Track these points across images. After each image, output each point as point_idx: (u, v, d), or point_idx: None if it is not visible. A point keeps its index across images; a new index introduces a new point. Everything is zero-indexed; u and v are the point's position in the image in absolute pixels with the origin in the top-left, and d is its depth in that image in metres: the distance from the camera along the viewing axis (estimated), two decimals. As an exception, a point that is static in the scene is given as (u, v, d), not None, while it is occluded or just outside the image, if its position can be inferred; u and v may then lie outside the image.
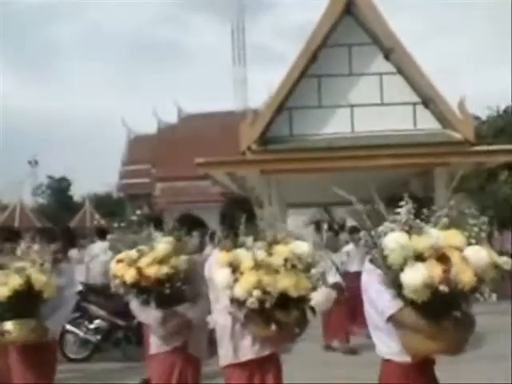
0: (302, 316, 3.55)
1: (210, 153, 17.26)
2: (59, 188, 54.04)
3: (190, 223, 6.07)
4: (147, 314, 4.19)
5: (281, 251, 3.54)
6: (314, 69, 14.39)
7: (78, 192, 53.40)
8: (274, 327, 3.42)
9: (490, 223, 3.13)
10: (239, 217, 3.69)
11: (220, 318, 3.80)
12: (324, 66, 14.39)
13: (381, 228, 3.04)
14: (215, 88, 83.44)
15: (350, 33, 14.42)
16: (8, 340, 4.37)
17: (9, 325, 4.31)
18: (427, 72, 14.06)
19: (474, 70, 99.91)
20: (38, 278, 4.44)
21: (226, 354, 3.76)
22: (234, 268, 3.50)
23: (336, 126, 14.20)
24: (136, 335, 8.31)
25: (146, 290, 4.06)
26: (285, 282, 3.40)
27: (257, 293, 3.35)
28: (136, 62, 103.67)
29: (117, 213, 40.79)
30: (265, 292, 3.37)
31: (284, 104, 14.33)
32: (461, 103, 13.83)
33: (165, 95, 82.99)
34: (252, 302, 3.36)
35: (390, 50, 14.19)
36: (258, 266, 3.47)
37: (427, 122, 14.30)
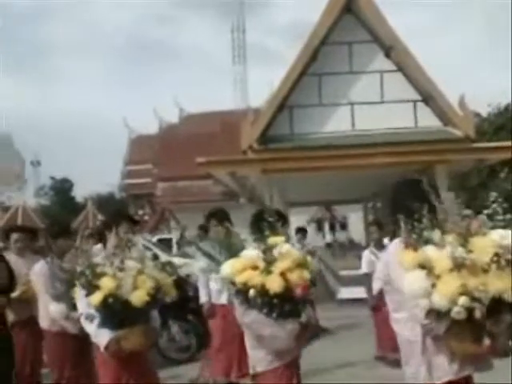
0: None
1: (211, 152, 17.30)
2: (62, 189, 54.14)
3: (222, 216, 6.43)
4: (278, 327, 3.66)
5: (483, 245, 2.92)
6: (315, 67, 14.38)
7: (80, 193, 53.58)
8: (487, 342, 2.87)
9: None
10: (414, 203, 3.14)
11: (404, 330, 3.19)
12: (324, 64, 14.38)
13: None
14: (215, 87, 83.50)
15: (350, 31, 14.41)
16: (125, 347, 4.01)
17: (125, 331, 3.97)
18: (428, 69, 14.06)
19: (474, 67, 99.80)
20: (165, 280, 4.19)
21: (416, 374, 3.14)
22: (428, 270, 2.92)
23: (337, 124, 14.20)
24: None
25: (288, 299, 3.59)
26: (497, 285, 2.80)
27: (464, 300, 2.79)
28: (135, 62, 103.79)
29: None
30: (473, 298, 2.80)
31: (285, 102, 14.32)
32: (461, 100, 13.82)
33: (165, 95, 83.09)
34: (458, 312, 2.79)
35: (391, 48, 14.19)
36: (458, 266, 2.87)
37: (428, 120, 14.30)
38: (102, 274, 3.93)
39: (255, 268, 3.65)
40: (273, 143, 14.03)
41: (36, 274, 5.55)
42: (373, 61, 14.48)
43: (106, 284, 3.87)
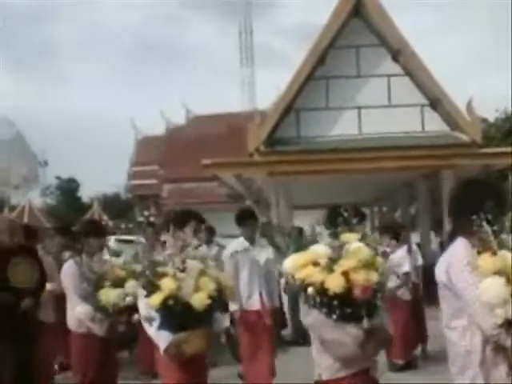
0: None
1: (217, 154, 17.30)
2: (68, 189, 54.25)
3: (251, 216, 6.58)
4: (340, 331, 3.36)
5: None
6: (322, 70, 14.38)
7: (86, 193, 53.64)
8: None
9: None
10: (489, 203, 2.90)
11: (461, 339, 2.95)
12: (332, 67, 14.38)
13: None
14: (222, 89, 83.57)
15: (357, 34, 14.41)
16: (186, 351, 3.83)
17: (186, 334, 3.79)
18: (435, 74, 14.05)
19: (482, 71, 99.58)
20: (227, 281, 4.08)
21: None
22: (506, 277, 2.71)
23: (343, 127, 14.19)
24: None
25: (349, 301, 3.28)
26: None
27: None
28: (142, 63, 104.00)
29: (125, 214, 40.94)
30: None
31: (292, 105, 14.33)
32: (469, 105, 13.80)
33: (172, 96, 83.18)
34: None
35: (398, 52, 14.18)
36: None
37: (435, 124, 14.27)
38: (163, 275, 3.78)
39: (317, 264, 3.39)
40: (279, 146, 14.03)
41: (65, 273, 5.48)
42: (380, 65, 14.47)
43: (167, 285, 3.71)
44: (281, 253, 5.71)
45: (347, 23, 14.35)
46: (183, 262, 3.84)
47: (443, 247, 11.08)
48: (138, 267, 4.63)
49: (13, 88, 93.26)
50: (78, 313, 5.17)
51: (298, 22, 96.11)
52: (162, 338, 3.90)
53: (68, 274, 5.40)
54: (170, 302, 3.68)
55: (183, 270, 3.79)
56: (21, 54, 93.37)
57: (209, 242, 9.32)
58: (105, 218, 33.83)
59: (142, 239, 5.55)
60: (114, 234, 19.86)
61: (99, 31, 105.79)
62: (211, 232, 9.91)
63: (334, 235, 3.47)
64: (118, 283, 4.90)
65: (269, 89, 78.71)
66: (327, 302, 3.27)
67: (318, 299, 3.31)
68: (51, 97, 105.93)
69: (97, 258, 5.30)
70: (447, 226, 13.59)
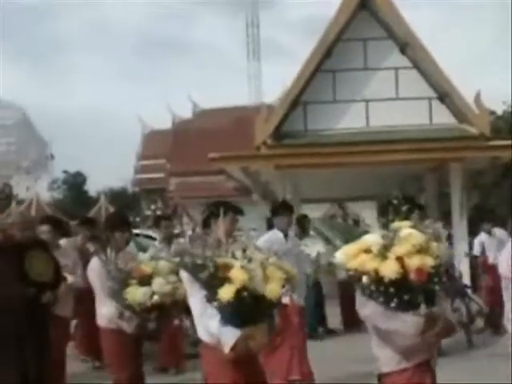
0: None
1: (224, 148, 17.28)
2: (75, 183, 54.38)
3: (286, 207, 6.64)
4: (399, 320, 3.25)
5: None
6: (329, 63, 14.33)
7: (93, 187, 53.74)
8: None
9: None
10: None
11: None
12: (339, 60, 14.33)
13: None
14: (229, 83, 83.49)
15: (365, 27, 14.34)
16: (250, 346, 3.62)
17: (252, 329, 3.59)
18: (443, 66, 13.98)
19: (491, 64, 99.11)
20: (292, 270, 3.89)
21: None
22: None
23: (351, 120, 14.14)
24: None
25: (405, 288, 3.16)
26: None
27: None
28: (148, 58, 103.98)
29: (132, 207, 41.03)
30: None
31: (299, 99, 14.29)
32: (477, 98, 13.73)
33: (179, 90, 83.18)
34: None
35: (406, 45, 14.11)
36: None
37: (443, 117, 14.21)
38: (227, 266, 3.55)
39: (369, 252, 3.29)
40: (286, 139, 14.00)
41: (91, 270, 5.43)
42: (388, 57, 14.40)
43: (238, 276, 3.47)
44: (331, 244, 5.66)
45: (354, 16, 14.28)
46: (244, 251, 3.65)
47: (450, 239, 11.05)
48: (162, 263, 4.78)
49: (17, 82, 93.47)
50: (105, 311, 5.15)
51: (304, 16, 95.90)
52: (227, 334, 3.63)
53: (94, 272, 5.36)
54: (244, 294, 3.45)
55: (250, 260, 3.59)
56: (25, 48, 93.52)
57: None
58: (112, 211, 33.91)
59: (151, 232, 5.53)
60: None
61: (105, 27, 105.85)
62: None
63: (385, 225, 3.41)
64: (145, 281, 4.80)
65: (276, 82, 78.59)
66: (383, 290, 3.17)
67: (373, 288, 3.21)
68: (57, 91, 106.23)
69: (122, 254, 5.24)
70: (456, 218, 13.58)
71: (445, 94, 14.06)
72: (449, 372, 3.14)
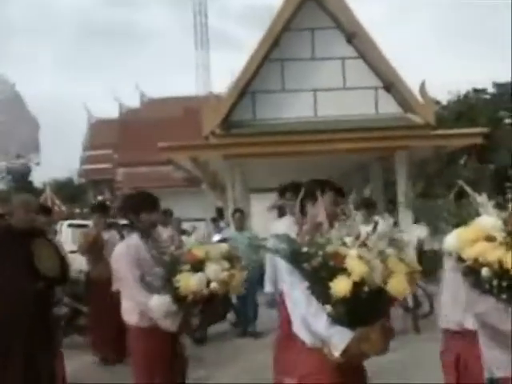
0: None
1: (172, 138, 17.16)
2: (19, 173, 53.19)
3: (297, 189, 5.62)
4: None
5: None
6: (277, 53, 14.36)
7: (38, 178, 52.66)
8: None
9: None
10: None
11: None
12: (287, 50, 14.37)
13: None
14: (177, 72, 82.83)
15: (312, 17, 14.41)
16: (363, 350, 3.07)
17: (367, 329, 3.02)
18: (389, 57, 14.18)
19: (436, 54, 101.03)
20: (414, 262, 3.28)
21: None
22: None
23: (299, 110, 14.22)
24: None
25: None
26: None
27: None
28: (95, 46, 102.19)
29: (78, 198, 40.38)
30: None
31: (247, 88, 14.29)
32: (422, 88, 13.98)
33: (126, 80, 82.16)
34: None
35: (353, 35, 14.24)
36: None
37: (389, 107, 14.43)
38: (342, 255, 2.96)
39: (491, 240, 2.76)
40: (235, 129, 14.00)
41: (120, 258, 4.53)
42: (335, 47, 14.52)
43: (356, 267, 2.90)
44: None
45: (301, 6, 14.33)
46: (357, 238, 3.07)
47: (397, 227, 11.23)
48: (212, 247, 4.20)
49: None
50: (151, 306, 4.23)
51: (251, 5, 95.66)
52: (338, 336, 3.07)
53: (123, 259, 4.48)
54: (365, 288, 2.90)
55: (370, 249, 3.02)
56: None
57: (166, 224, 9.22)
58: (57, 202, 33.33)
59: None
60: (66, 219, 19.58)
61: (48, 13, 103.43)
62: (169, 214, 9.91)
63: (501, 205, 2.90)
64: (197, 267, 4.10)
65: (224, 72, 78.39)
66: (507, 285, 2.67)
67: (495, 283, 2.71)
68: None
69: (155, 237, 4.60)
70: (401, 206, 13.83)
71: (390, 84, 14.26)
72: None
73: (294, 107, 14.25)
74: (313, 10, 14.45)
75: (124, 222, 5.48)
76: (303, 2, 14.33)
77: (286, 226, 5.36)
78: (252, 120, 14.37)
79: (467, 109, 25.56)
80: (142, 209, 4.52)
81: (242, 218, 9.94)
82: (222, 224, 16.49)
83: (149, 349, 4.36)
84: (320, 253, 2.98)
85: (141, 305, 4.34)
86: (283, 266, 3.28)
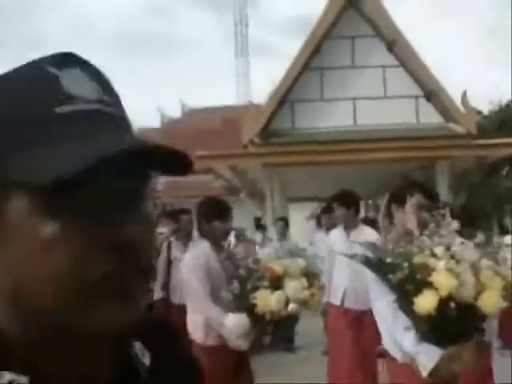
0: None
1: (212, 147, 17.21)
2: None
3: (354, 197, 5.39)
4: None
5: None
6: (317, 61, 14.33)
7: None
8: None
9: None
10: None
11: None
12: (326, 58, 14.33)
13: None
14: (218, 81, 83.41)
15: (352, 25, 14.35)
16: (454, 369, 2.83)
17: (459, 347, 2.80)
18: (430, 65, 14.03)
19: (477, 64, 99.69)
20: (509, 276, 2.97)
21: None
22: None
23: (338, 118, 14.15)
24: None
25: None
26: None
27: None
28: (137, 56, 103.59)
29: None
30: None
31: (286, 97, 14.28)
32: (463, 97, 13.77)
33: (167, 89, 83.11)
34: None
35: (393, 43, 14.13)
36: None
37: (429, 116, 14.25)
38: (430, 268, 2.73)
39: None
40: (274, 137, 13.99)
41: (191, 268, 4.17)
42: (375, 55, 14.42)
43: (443, 281, 2.67)
44: None
45: (342, 14, 14.28)
46: (448, 248, 2.80)
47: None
48: (291, 262, 3.91)
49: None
50: (226, 326, 3.88)
51: (292, 14, 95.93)
52: (426, 354, 2.87)
53: (193, 269, 4.12)
54: (450, 304, 2.69)
55: (459, 261, 2.77)
56: (11, 47, 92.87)
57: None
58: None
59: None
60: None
61: (88, 24, 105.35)
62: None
63: None
64: (276, 284, 3.84)
65: (263, 81, 78.66)
66: None
67: None
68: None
69: (228, 248, 4.42)
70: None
71: (431, 93, 14.09)
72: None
73: (334, 116, 14.18)
74: (353, 17, 14.40)
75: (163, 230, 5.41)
76: (344, 10, 14.28)
77: (374, 235, 5.05)
78: (291, 129, 14.35)
79: (509, 118, 25.11)
80: (215, 216, 4.27)
81: (284, 226, 9.93)
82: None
83: (214, 368, 3.72)
84: (405, 264, 2.78)
85: (212, 321, 4.00)
86: (369, 275, 3.11)
